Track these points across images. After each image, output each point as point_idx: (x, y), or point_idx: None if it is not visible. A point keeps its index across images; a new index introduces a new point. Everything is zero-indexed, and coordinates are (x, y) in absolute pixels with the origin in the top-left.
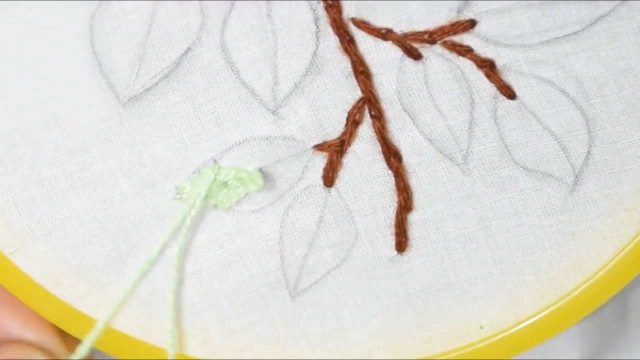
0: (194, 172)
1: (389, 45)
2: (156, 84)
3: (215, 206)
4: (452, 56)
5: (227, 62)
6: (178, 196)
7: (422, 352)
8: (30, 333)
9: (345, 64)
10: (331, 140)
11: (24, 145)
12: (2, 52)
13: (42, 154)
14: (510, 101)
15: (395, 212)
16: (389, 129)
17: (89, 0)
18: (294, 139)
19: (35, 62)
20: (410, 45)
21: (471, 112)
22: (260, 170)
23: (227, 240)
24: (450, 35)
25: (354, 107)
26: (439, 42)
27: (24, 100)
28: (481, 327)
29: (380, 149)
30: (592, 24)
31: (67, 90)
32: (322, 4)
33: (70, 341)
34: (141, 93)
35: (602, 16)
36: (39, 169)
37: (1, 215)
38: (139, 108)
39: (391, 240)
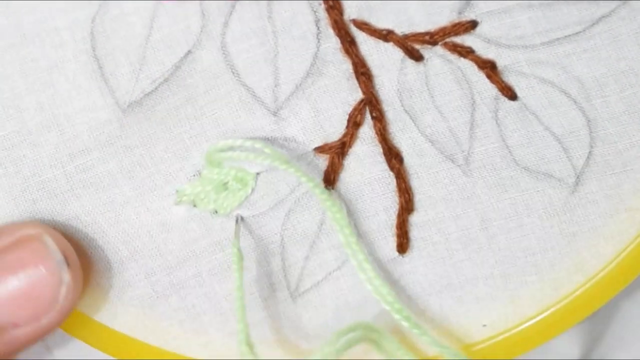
0: (194, 175)
1: (390, 46)
2: (156, 88)
3: (216, 211)
4: (453, 57)
5: (228, 64)
6: (179, 199)
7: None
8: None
9: (346, 65)
10: (332, 142)
11: (24, 147)
12: (4, 54)
13: (43, 156)
14: (512, 102)
15: (396, 213)
16: (390, 130)
17: (89, 1)
18: (295, 140)
19: (37, 65)
20: (411, 46)
21: (472, 113)
22: (259, 174)
23: (228, 244)
24: (452, 36)
25: (355, 109)
26: (440, 43)
27: (24, 102)
28: (484, 325)
29: (381, 150)
30: (593, 24)
31: (67, 92)
32: (323, 5)
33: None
34: (141, 98)
35: (603, 17)
36: (40, 171)
37: (2, 217)
38: (139, 113)
39: (392, 242)
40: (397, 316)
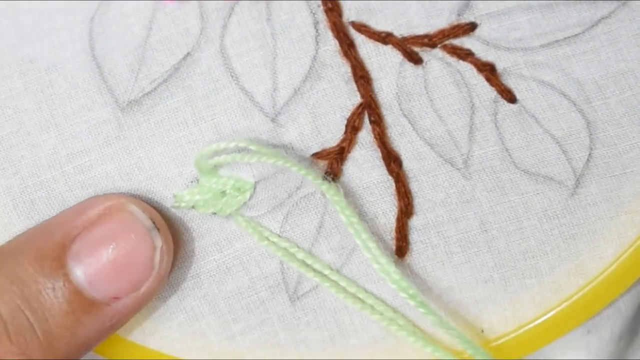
0: (192, 181)
1: (389, 49)
2: (155, 88)
3: (215, 214)
4: (453, 60)
5: (227, 67)
6: (176, 204)
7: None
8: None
9: (345, 68)
10: (330, 148)
11: (23, 148)
12: (2, 55)
13: (41, 157)
14: (511, 105)
15: (395, 217)
16: (389, 134)
17: (88, 2)
18: (293, 147)
19: (35, 65)
20: (410, 49)
21: (471, 116)
22: (258, 181)
23: (226, 245)
24: (451, 39)
25: (353, 113)
26: (439, 45)
27: (23, 103)
28: (482, 331)
29: (380, 154)
30: (592, 26)
31: (66, 92)
32: (322, 7)
33: None
34: (140, 97)
35: (602, 18)
36: (38, 172)
37: (0, 218)
38: (138, 113)
39: (392, 245)
40: (403, 294)
